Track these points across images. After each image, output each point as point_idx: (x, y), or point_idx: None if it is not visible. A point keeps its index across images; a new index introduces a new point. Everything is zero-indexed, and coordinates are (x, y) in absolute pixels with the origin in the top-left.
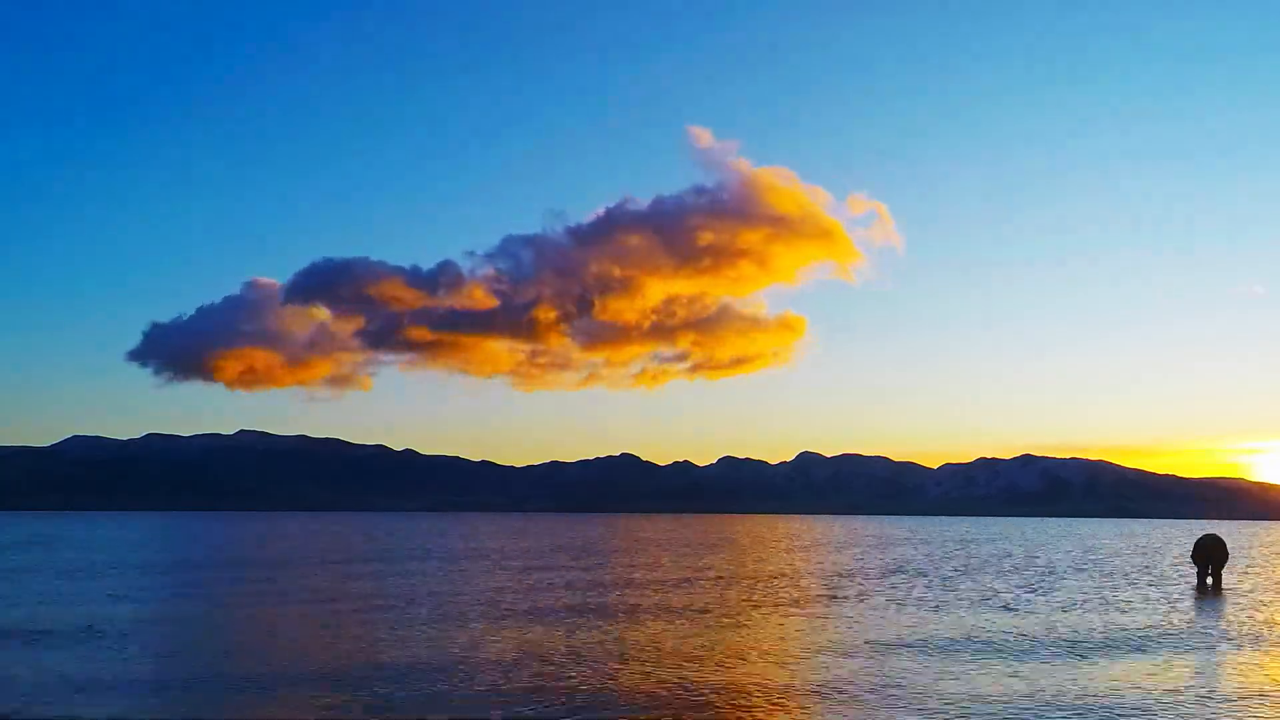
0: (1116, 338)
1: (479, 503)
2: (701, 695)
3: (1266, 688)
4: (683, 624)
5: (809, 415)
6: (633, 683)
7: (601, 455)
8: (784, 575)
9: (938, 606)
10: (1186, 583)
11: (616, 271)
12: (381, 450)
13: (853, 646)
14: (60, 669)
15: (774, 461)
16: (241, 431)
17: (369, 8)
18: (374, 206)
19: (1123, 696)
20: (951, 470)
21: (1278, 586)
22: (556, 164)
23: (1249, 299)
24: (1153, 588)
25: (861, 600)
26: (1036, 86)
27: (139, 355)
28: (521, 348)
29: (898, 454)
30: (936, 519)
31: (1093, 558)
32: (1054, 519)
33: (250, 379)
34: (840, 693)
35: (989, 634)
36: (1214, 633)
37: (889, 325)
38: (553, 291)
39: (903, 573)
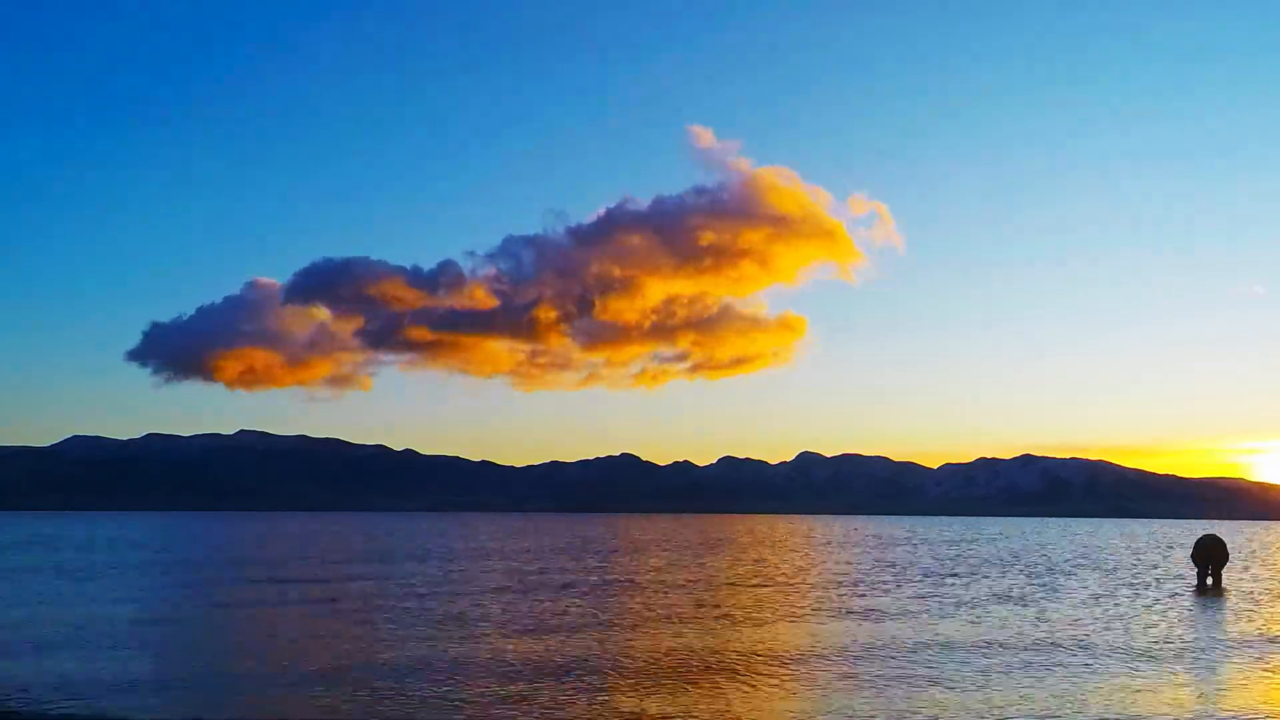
0: (1116, 338)
1: (479, 503)
2: (702, 695)
3: (1267, 690)
4: (683, 625)
5: (809, 415)
6: (633, 684)
7: (601, 455)
8: (784, 576)
9: (937, 606)
10: (1187, 583)
11: (617, 271)
12: (381, 450)
13: (853, 647)
14: (60, 669)
15: (774, 461)
16: (241, 431)
17: (369, 8)
18: (374, 206)
19: (1123, 697)
20: (951, 470)
21: (1278, 586)
22: (557, 164)
23: (1249, 299)
24: (1153, 588)
25: (861, 600)
26: (1036, 86)
27: (139, 355)
28: (522, 348)
29: (898, 454)
30: (936, 519)
31: (1093, 558)
32: (1054, 519)
33: (250, 379)
34: (841, 692)
35: (989, 634)
36: (1214, 634)
37: (889, 325)
38: (553, 291)
39: (903, 573)
